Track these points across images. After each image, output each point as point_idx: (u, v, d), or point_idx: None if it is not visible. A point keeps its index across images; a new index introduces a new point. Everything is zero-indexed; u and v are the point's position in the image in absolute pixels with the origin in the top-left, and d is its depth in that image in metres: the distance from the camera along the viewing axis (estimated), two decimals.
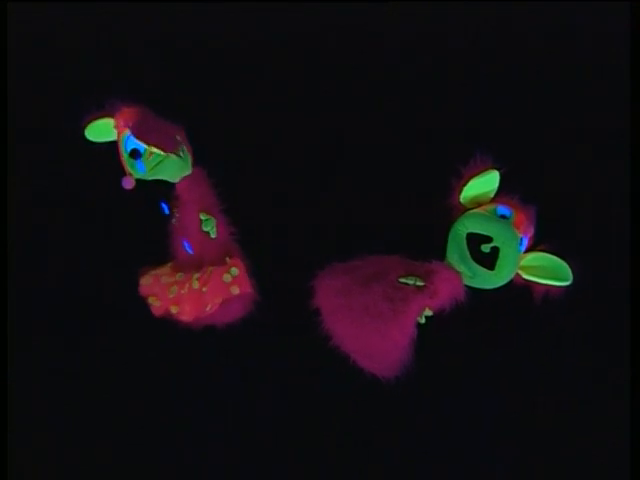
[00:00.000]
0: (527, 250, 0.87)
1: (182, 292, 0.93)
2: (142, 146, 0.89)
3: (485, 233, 0.84)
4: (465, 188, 0.87)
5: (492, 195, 0.87)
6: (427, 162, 0.98)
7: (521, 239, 0.85)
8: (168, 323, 0.94)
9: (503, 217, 0.85)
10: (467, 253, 0.84)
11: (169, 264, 0.96)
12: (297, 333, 0.92)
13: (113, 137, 0.92)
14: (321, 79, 1.04)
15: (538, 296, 0.86)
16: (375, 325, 0.83)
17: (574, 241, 0.87)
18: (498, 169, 0.86)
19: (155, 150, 0.89)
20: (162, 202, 0.95)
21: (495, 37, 1.03)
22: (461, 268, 0.85)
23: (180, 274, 0.94)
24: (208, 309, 0.93)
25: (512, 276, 0.85)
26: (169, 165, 0.91)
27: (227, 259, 0.94)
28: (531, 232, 0.87)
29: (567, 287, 0.85)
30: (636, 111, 0.98)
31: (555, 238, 0.87)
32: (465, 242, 0.85)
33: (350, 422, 0.93)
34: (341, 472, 0.93)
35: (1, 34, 1.02)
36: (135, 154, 0.90)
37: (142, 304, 0.94)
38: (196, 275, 0.93)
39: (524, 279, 0.86)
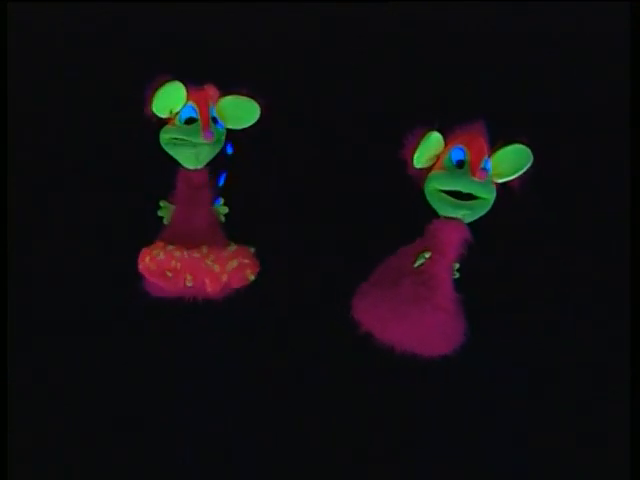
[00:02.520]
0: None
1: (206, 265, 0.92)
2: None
3: (452, 189, 0.88)
4: (415, 157, 0.88)
5: (441, 150, 0.89)
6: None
7: (483, 166, 0.87)
8: (169, 320, 0.94)
9: (460, 163, 0.88)
10: (454, 199, 0.88)
11: (159, 242, 0.94)
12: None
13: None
14: (321, 79, 1.04)
15: (515, 190, 0.89)
16: (422, 308, 0.86)
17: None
18: (436, 129, 0.88)
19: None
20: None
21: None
22: (459, 213, 0.88)
23: (188, 251, 0.92)
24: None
25: (495, 190, 0.88)
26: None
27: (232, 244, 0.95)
28: (487, 153, 0.88)
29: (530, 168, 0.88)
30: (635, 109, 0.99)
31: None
32: (445, 194, 0.88)
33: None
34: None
35: (1, 34, 1.02)
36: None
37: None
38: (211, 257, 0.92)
39: (499, 184, 0.89)
